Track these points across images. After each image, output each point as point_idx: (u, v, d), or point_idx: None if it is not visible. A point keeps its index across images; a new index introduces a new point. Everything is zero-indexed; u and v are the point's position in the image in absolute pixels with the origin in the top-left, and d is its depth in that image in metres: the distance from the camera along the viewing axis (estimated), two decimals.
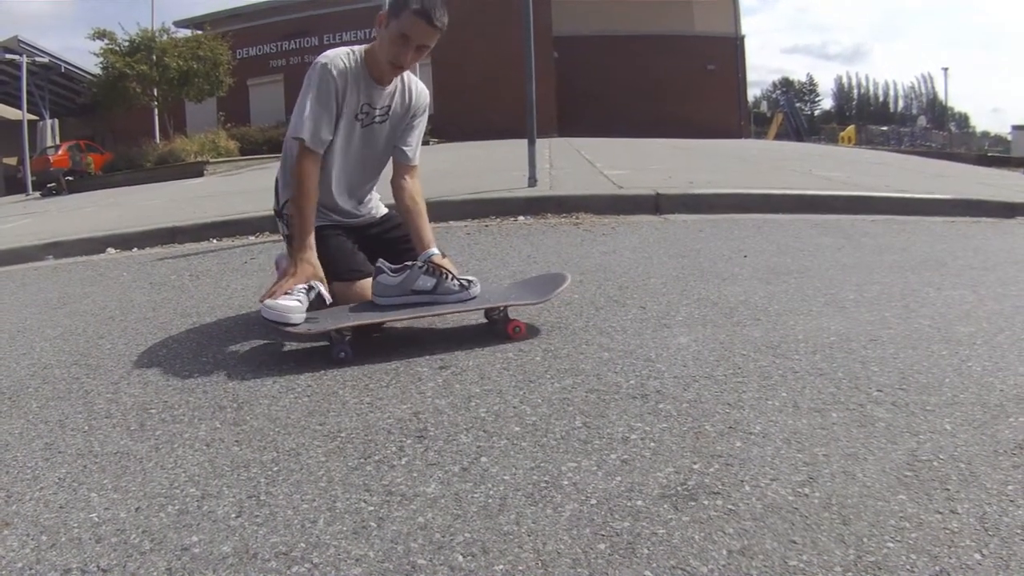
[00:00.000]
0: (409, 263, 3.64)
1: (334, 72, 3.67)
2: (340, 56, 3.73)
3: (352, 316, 3.55)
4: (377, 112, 3.88)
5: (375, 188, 4.27)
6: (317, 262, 3.66)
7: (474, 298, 3.67)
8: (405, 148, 4.05)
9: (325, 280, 3.65)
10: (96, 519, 2.11)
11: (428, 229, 3.95)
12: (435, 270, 3.62)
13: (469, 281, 3.68)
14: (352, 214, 4.10)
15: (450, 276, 3.64)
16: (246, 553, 1.88)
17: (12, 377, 3.58)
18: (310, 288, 3.53)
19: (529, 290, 3.90)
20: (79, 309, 5.05)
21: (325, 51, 3.78)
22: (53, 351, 4.00)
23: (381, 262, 3.65)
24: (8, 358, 3.94)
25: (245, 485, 2.26)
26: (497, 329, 3.66)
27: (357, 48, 3.82)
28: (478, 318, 3.91)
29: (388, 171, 4.14)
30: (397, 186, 4.04)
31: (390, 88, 3.88)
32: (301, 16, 44.18)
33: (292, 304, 3.43)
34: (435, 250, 3.82)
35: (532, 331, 3.68)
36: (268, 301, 3.44)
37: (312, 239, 3.69)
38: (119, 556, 1.91)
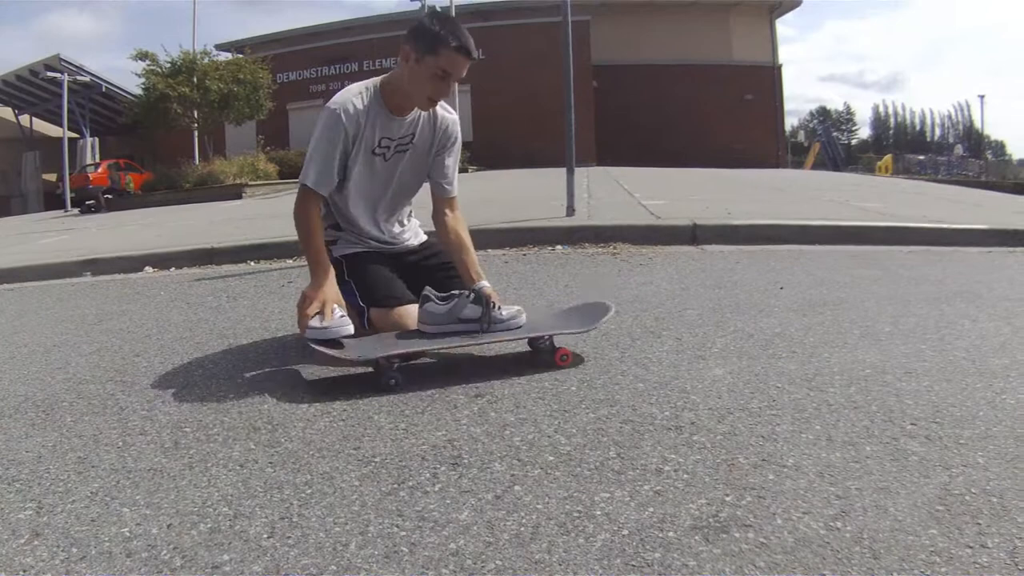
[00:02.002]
0: (456, 292, 3.64)
1: (343, 117, 3.68)
2: (351, 99, 3.73)
3: (400, 343, 3.55)
4: (396, 143, 3.88)
5: (414, 215, 4.28)
6: (336, 288, 3.67)
7: (521, 327, 3.67)
8: (442, 181, 4.06)
9: (343, 304, 3.65)
10: (127, 534, 2.12)
11: (476, 263, 3.96)
12: (482, 299, 3.63)
13: (517, 310, 3.69)
14: (388, 241, 4.10)
15: (496, 305, 3.64)
16: (277, 573, 1.89)
17: (47, 391, 3.62)
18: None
19: (573, 319, 3.90)
20: (116, 326, 5.10)
21: (336, 94, 3.81)
22: (89, 367, 4.03)
23: (428, 290, 3.66)
24: (44, 372, 3.98)
25: (278, 506, 2.26)
26: (543, 358, 3.66)
27: (371, 83, 3.84)
28: (517, 347, 3.91)
29: (421, 196, 4.16)
30: (439, 221, 4.07)
31: (411, 117, 3.86)
32: (341, 42, 44.58)
33: (342, 319, 3.46)
34: (485, 283, 3.82)
35: (568, 360, 3.67)
36: (314, 323, 3.44)
37: (329, 272, 3.67)
38: (149, 571, 1.92)
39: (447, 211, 4.06)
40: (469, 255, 3.97)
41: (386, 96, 3.79)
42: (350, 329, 3.42)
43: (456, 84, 3.77)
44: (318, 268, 3.66)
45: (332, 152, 3.70)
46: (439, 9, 14.31)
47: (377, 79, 3.86)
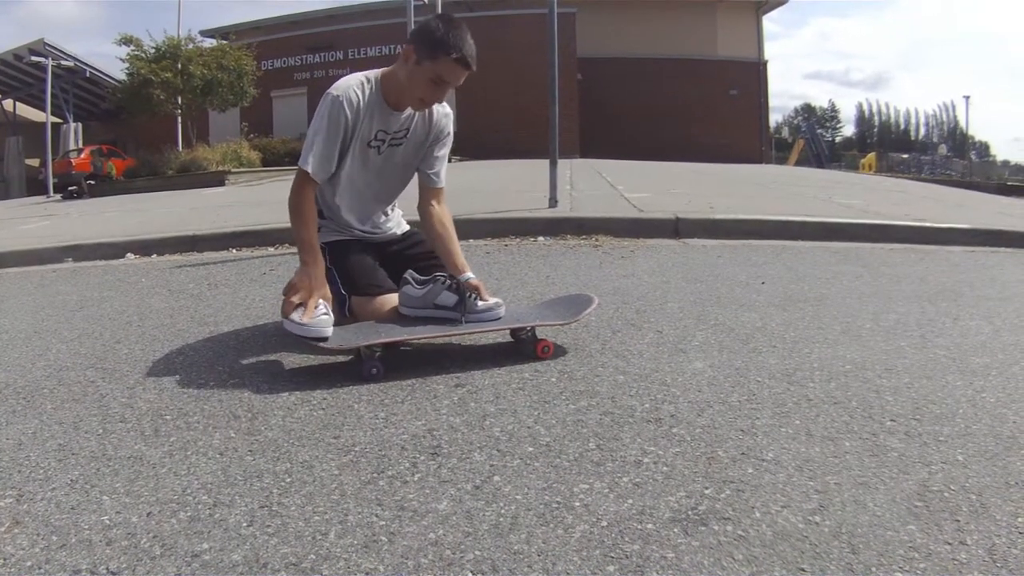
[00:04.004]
0: (434, 276, 3.65)
1: (345, 106, 3.65)
2: (353, 87, 3.71)
3: (381, 332, 3.54)
4: (391, 137, 3.87)
5: (397, 205, 4.27)
6: (325, 281, 3.65)
7: (500, 318, 3.67)
8: (431, 172, 4.06)
9: (330, 299, 3.64)
10: (107, 522, 2.12)
11: (460, 254, 3.97)
12: (458, 287, 3.63)
13: (495, 302, 3.69)
14: (371, 231, 4.10)
15: (474, 296, 3.65)
16: (256, 562, 1.89)
17: (28, 377, 3.61)
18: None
19: (556, 311, 3.91)
20: (97, 313, 5.08)
21: (339, 79, 3.78)
22: (69, 353, 4.02)
23: (409, 273, 3.68)
24: (24, 359, 3.96)
25: (257, 495, 2.27)
26: (525, 349, 3.66)
27: (372, 74, 3.81)
28: (497, 337, 3.92)
29: (409, 189, 4.15)
30: (425, 212, 4.07)
31: (406, 112, 3.85)
32: (326, 30, 44.44)
33: (323, 318, 3.42)
34: (470, 275, 3.83)
35: (553, 351, 3.68)
36: (295, 317, 3.40)
37: (319, 263, 3.66)
38: (129, 559, 1.92)
39: (433, 202, 4.06)
40: (454, 246, 3.98)
41: (385, 89, 3.77)
42: (328, 332, 3.39)
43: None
44: (308, 258, 3.63)
45: (334, 139, 3.68)
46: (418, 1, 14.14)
47: (379, 71, 3.83)
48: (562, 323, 3.75)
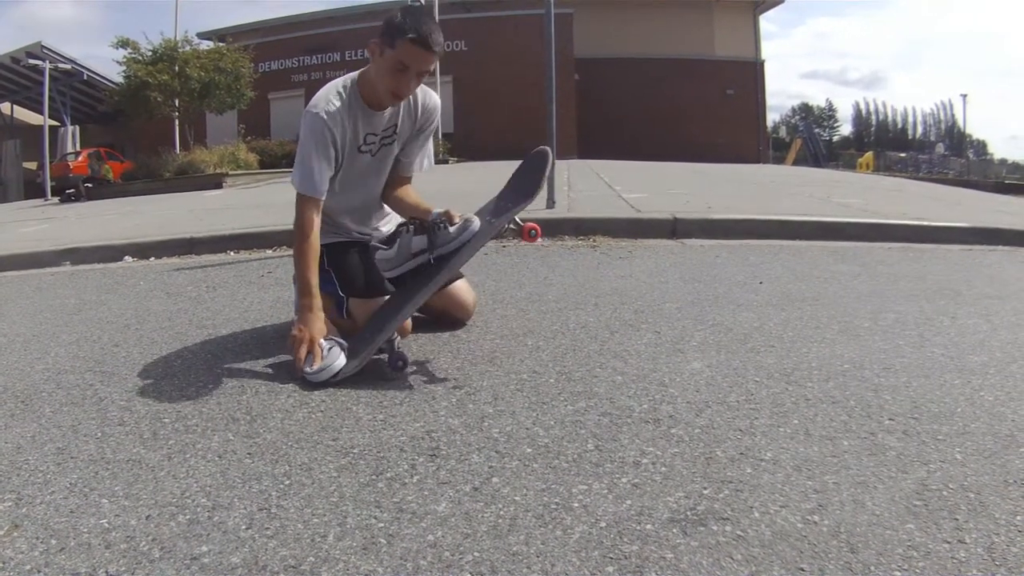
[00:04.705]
0: (397, 229, 3.65)
1: (326, 119, 3.62)
2: (330, 99, 3.68)
3: (388, 324, 3.50)
4: (381, 137, 3.86)
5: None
6: (323, 324, 3.55)
7: (476, 232, 3.63)
8: (403, 160, 4.06)
9: (336, 331, 3.60)
10: (106, 525, 2.12)
11: (423, 200, 3.99)
12: (422, 226, 3.64)
13: (465, 220, 3.66)
14: (369, 234, 4.11)
15: (443, 224, 3.64)
16: (255, 565, 1.89)
17: (26, 381, 3.60)
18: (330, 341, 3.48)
19: (520, 188, 3.89)
20: (95, 316, 5.07)
21: (315, 96, 3.75)
22: (68, 357, 4.01)
23: (373, 242, 3.67)
24: (23, 362, 3.95)
25: (256, 497, 2.27)
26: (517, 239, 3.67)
27: (347, 79, 3.79)
28: (495, 338, 3.92)
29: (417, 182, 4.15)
30: (388, 194, 4.11)
31: (391, 109, 3.82)
32: (323, 32, 44.43)
33: (333, 353, 3.37)
34: (437, 210, 3.80)
35: (546, 353, 3.68)
36: (307, 368, 3.33)
37: (315, 303, 3.56)
38: (128, 563, 1.92)
39: (400, 187, 4.10)
40: (417, 196, 4.04)
41: (364, 91, 3.74)
42: (343, 362, 3.35)
43: (438, 75, 3.73)
44: (307, 301, 3.56)
45: (325, 154, 3.65)
46: (414, 1, 14.10)
47: (355, 73, 3.81)
48: (530, 201, 3.70)
